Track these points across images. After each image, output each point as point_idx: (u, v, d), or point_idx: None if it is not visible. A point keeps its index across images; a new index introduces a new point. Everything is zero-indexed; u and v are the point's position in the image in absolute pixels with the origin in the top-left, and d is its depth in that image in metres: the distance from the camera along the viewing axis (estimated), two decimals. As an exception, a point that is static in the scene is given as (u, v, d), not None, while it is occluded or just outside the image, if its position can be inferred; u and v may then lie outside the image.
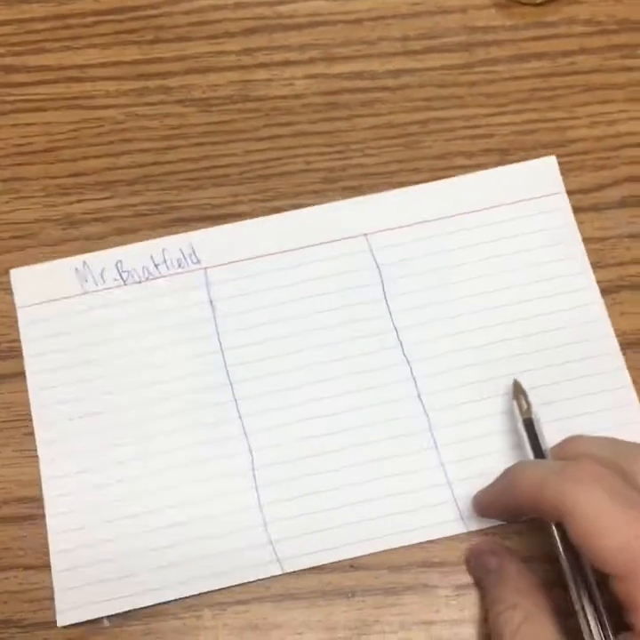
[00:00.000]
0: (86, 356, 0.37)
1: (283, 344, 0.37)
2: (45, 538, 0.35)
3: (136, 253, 0.39)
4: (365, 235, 0.39)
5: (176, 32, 0.43)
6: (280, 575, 0.34)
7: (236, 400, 0.37)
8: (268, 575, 0.34)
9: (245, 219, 0.39)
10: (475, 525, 0.35)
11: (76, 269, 0.38)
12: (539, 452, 0.33)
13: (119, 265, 0.38)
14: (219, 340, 0.37)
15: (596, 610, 0.30)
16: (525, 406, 0.34)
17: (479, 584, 0.34)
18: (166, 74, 0.42)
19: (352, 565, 0.34)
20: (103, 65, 0.42)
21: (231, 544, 0.35)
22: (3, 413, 0.37)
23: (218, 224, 0.39)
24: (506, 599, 0.31)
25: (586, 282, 0.38)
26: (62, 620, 0.34)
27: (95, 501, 0.35)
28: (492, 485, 0.34)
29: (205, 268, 0.38)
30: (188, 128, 0.41)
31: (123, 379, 0.37)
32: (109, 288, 0.38)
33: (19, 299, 0.38)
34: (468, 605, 0.34)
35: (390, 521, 0.35)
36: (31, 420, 0.36)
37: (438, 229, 0.39)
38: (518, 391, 0.35)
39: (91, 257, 0.39)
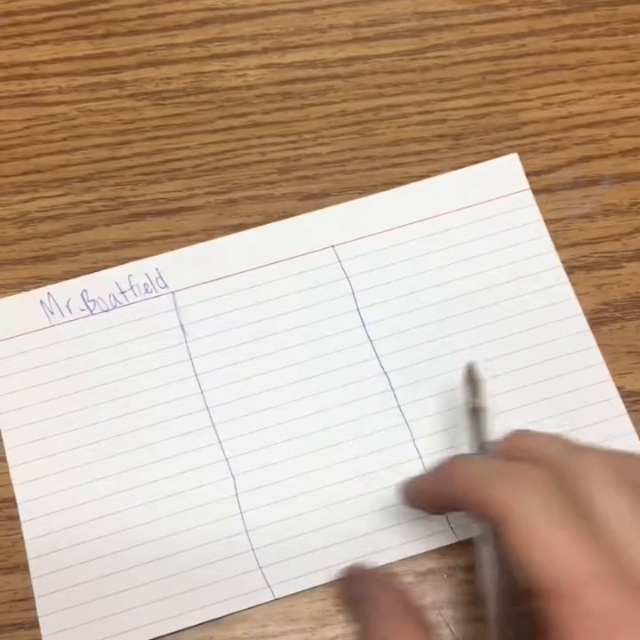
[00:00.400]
0: (58, 392, 0.36)
1: (259, 364, 0.37)
2: (9, 540, 0.35)
3: (101, 281, 0.38)
4: (333, 246, 0.38)
5: (127, 25, 0.42)
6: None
7: (214, 425, 0.36)
8: (260, 602, 0.34)
9: (201, 212, 0.39)
10: (463, 534, 0.34)
11: (41, 301, 0.37)
12: (480, 444, 0.32)
13: (85, 294, 0.37)
14: (192, 364, 0.37)
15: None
16: (472, 395, 0.33)
17: (354, 616, 0.32)
18: (118, 68, 0.42)
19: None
20: (55, 61, 0.42)
21: (220, 573, 0.34)
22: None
23: (174, 218, 0.39)
24: (378, 630, 0.29)
25: (558, 279, 0.38)
26: None
27: (77, 542, 0.34)
28: (426, 475, 0.33)
29: (173, 292, 0.38)
30: (141, 122, 0.41)
31: (96, 412, 0.36)
32: (76, 319, 0.37)
33: None
34: (429, 592, 0.34)
35: (381, 536, 0.34)
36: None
37: (405, 236, 0.38)
38: (470, 378, 0.33)
39: (54, 288, 0.38)
